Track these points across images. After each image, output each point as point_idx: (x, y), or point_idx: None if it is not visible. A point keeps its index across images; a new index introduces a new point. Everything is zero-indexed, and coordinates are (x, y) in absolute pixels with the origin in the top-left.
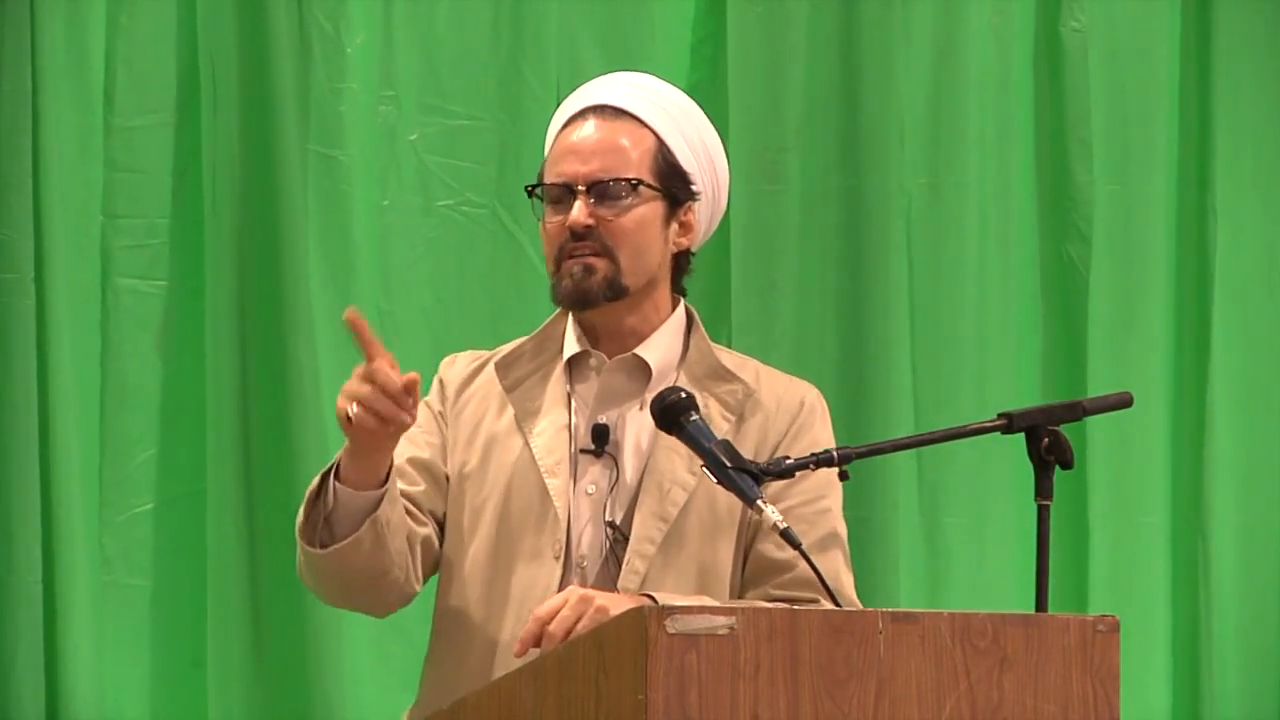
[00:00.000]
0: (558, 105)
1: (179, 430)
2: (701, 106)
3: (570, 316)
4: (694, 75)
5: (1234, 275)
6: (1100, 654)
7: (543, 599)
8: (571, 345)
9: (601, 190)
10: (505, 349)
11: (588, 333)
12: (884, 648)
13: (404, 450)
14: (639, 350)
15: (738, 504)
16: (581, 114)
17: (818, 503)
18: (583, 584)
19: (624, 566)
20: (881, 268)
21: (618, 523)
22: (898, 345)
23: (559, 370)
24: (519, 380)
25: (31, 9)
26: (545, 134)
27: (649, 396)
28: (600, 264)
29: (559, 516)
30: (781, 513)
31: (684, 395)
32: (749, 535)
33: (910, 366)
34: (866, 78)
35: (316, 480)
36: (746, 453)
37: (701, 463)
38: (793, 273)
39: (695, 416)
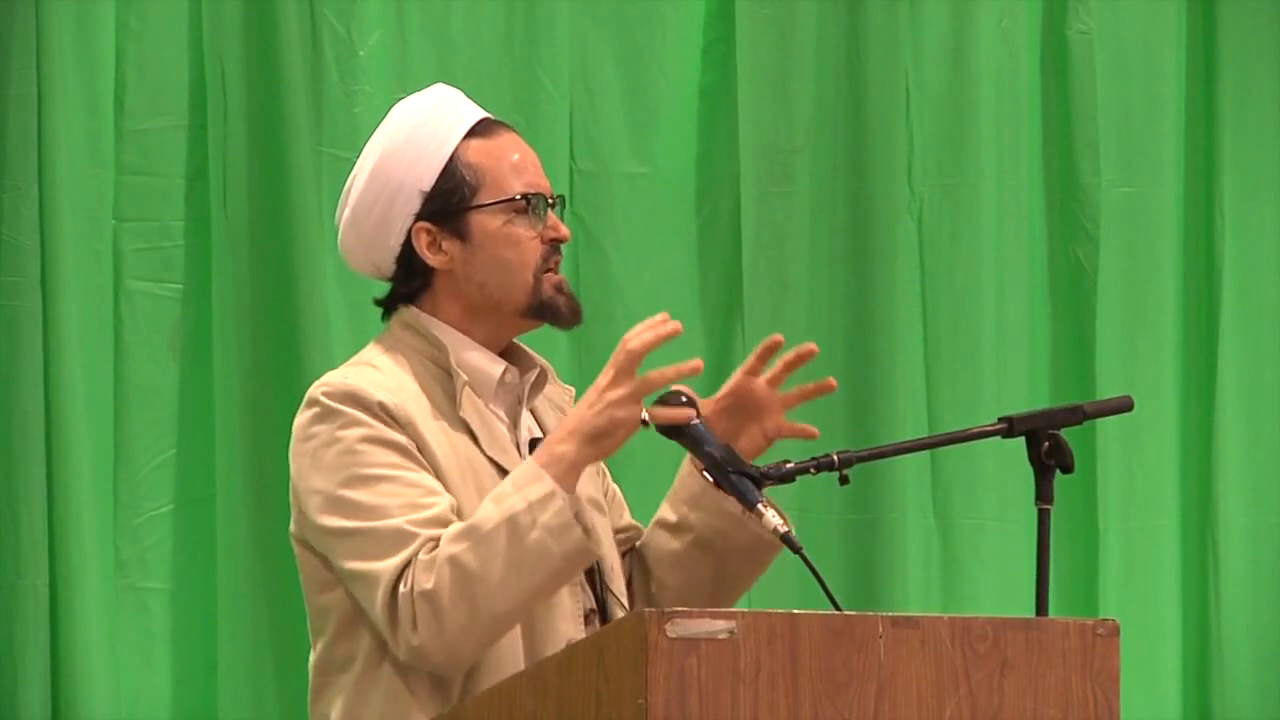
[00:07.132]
0: (571, 108)
1: (196, 433)
2: (711, 108)
3: (462, 335)
4: (704, 78)
5: (1242, 276)
6: (1100, 658)
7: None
8: (490, 365)
9: (563, 205)
10: (392, 386)
11: (492, 347)
12: (884, 652)
13: (443, 499)
14: (539, 359)
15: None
16: (496, 125)
17: None
18: (592, 600)
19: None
20: (891, 269)
21: None
22: (908, 346)
23: (490, 388)
24: (459, 407)
25: (37, 12)
26: (555, 137)
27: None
28: None
29: None
30: None
31: (684, 400)
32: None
33: (921, 367)
34: (875, 80)
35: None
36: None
37: (701, 466)
38: (804, 273)
39: (697, 420)
